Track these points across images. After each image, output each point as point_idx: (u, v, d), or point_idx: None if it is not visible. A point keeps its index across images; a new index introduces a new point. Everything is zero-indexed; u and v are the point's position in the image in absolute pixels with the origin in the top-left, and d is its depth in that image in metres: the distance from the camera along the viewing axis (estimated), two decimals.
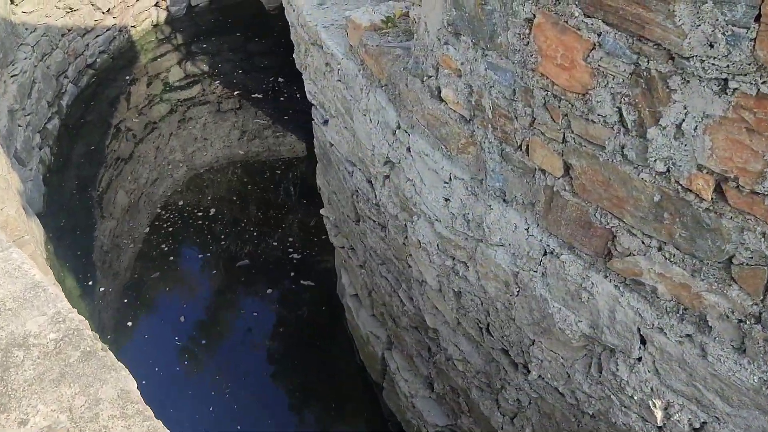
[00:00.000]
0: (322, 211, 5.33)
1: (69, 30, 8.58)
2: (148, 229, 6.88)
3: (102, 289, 6.02)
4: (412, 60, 3.02)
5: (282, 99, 8.95)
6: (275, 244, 6.35)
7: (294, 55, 5.21)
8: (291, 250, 6.24)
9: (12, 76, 7.13)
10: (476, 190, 2.81)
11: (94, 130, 8.68)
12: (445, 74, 2.77)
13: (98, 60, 9.27)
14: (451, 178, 2.94)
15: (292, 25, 4.82)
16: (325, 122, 4.69)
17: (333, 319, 5.41)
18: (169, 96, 9.68)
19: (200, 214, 7.03)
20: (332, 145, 4.48)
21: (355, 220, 4.49)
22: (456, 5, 2.53)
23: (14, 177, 6.25)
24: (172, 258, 6.38)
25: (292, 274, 5.96)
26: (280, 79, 9.20)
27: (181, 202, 7.28)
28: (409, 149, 3.25)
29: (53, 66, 8.19)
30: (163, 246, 6.52)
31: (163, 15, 10.33)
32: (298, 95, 8.79)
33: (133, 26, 9.92)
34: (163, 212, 7.19)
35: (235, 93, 9.52)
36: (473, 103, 2.65)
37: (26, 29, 7.73)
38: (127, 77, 9.72)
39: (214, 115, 9.35)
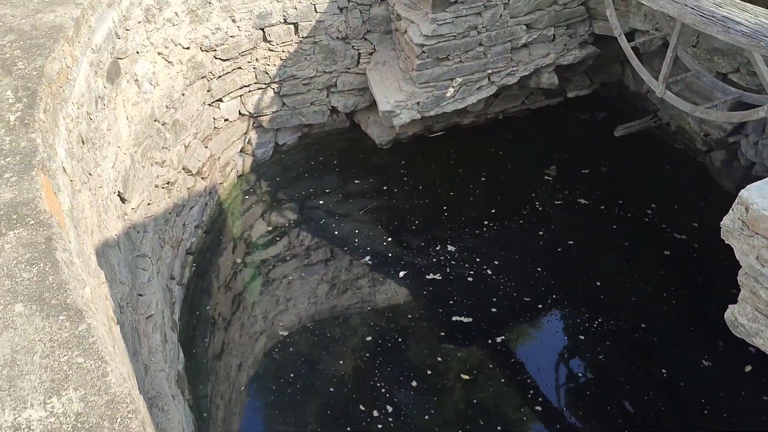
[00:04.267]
0: None
1: (170, 213, 6.34)
2: None
3: None
4: None
5: (382, 243, 7.08)
6: None
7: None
8: None
9: (147, 318, 4.85)
10: None
11: (198, 335, 6.47)
12: None
13: (193, 239, 7.01)
14: None
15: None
16: None
17: None
18: (253, 258, 7.52)
19: None
20: None
21: None
22: None
23: None
24: None
25: None
26: (379, 223, 7.35)
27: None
28: None
29: (165, 271, 5.95)
30: None
31: (248, 161, 8.17)
32: (389, 241, 7.07)
33: (221, 183, 7.72)
34: None
35: (325, 242, 7.46)
36: None
37: (138, 232, 5.47)
38: (218, 250, 7.49)
39: (300, 270, 7.25)
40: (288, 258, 7.56)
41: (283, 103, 8.04)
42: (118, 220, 4.99)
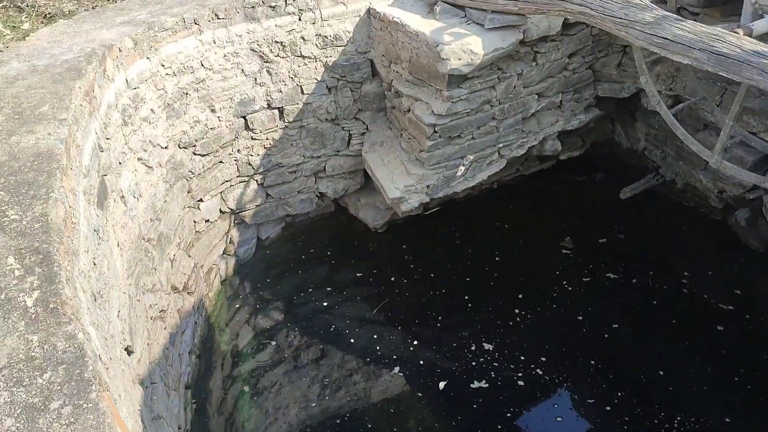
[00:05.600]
0: None
1: (167, 348, 5.30)
2: None
3: None
4: None
5: (408, 348, 6.25)
6: None
7: None
8: None
9: None
10: None
11: None
12: None
13: (189, 369, 5.97)
14: None
15: None
16: None
17: None
18: (240, 370, 6.57)
19: None
20: None
21: None
22: None
23: None
24: None
25: None
26: (397, 323, 6.52)
27: None
28: None
29: (174, 423, 4.87)
30: None
31: (231, 263, 7.19)
32: (416, 345, 6.38)
33: (207, 293, 6.70)
34: None
35: (315, 339, 6.64)
36: None
37: (146, 387, 4.43)
38: (211, 372, 6.46)
39: (290, 375, 6.39)
40: (276, 363, 6.65)
41: (268, 195, 7.15)
42: (134, 386, 3.95)
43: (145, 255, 5.21)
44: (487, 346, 6.12)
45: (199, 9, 5.91)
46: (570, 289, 6.63)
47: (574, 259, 6.99)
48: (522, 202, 7.94)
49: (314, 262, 7.57)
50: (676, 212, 7.49)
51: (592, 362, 5.85)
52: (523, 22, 5.73)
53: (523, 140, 6.69)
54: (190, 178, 6.24)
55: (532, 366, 5.87)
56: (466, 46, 5.51)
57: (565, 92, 6.76)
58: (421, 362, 6.07)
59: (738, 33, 4.29)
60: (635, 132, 7.93)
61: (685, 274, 6.64)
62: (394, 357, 6.16)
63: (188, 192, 6.26)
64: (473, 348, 6.11)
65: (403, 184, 6.38)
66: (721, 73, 4.26)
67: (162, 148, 5.78)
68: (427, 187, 6.45)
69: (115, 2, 6.43)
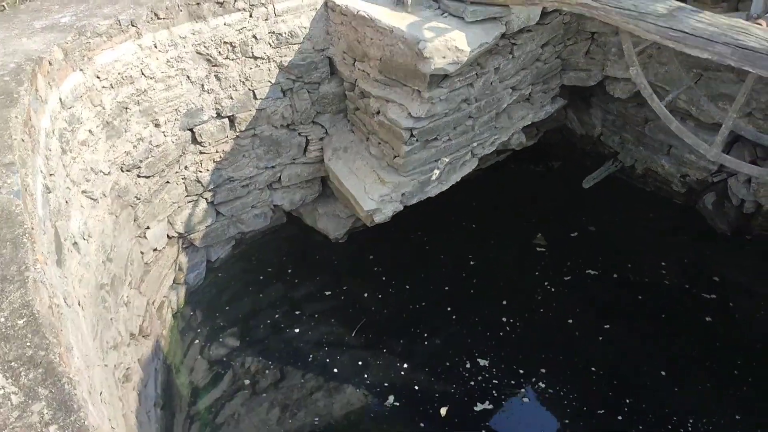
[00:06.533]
0: None
1: (138, 411, 4.53)
2: None
3: None
4: None
5: (399, 372, 5.82)
6: None
7: None
8: None
9: None
10: None
11: None
12: None
13: (157, 426, 5.20)
14: None
15: None
16: None
17: None
18: (199, 407, 5.99)
19: None
20: None
21: None
22: None
23: None
24: None
25: None
26: (381, 345, 6.03)
27: None
28: None
29: None
30: None
31: (182, 293, 6.41)
32: (406, 368, 6.07)
33: (162, 332, 5.91)
34: None
35: (272, 363, 6.15)
36: None
37: None
38: (173, 421, 5.73)
39: (248, 402, 5.90)
40: (233, 392, 6.08)
41: (218, 213, 6.39)
42: None
43: (103, 306, 4.39)
44: (482, 362, 5.74)
45: (135, 8, 5.04)
46: (553, 290, 6.36)
47: (550, 258, 6.73)
48: (484, 198, 7.59)
49: (273, 281, 6.90)
50: (638, 198, 7.39)
51: (593, 369, 5.60)
52: (506, 14, 5.28)
53: (495, 137, 6.30)
54: (136, 204, 5.40)
55: (534, 380, 5.55)
56: (450, 42, 5.00)
57: (535, 84, 6.41)
58: (416, 387, 5.60)
59: (761, 24, 4.04)
60: (590, 118, 7.74)
61: (662, 264, 6.53)
62: (386, 385, 5.65)
63: (135, 220, 5.42)
64: (468, 366, 5.71)
65: (377, 194, 5.83)
66: (746, 68, 4.00)
67: (104, 174, 4.91)
68: (402, 194, 5.94)
69: (24, 2, 5.41)
